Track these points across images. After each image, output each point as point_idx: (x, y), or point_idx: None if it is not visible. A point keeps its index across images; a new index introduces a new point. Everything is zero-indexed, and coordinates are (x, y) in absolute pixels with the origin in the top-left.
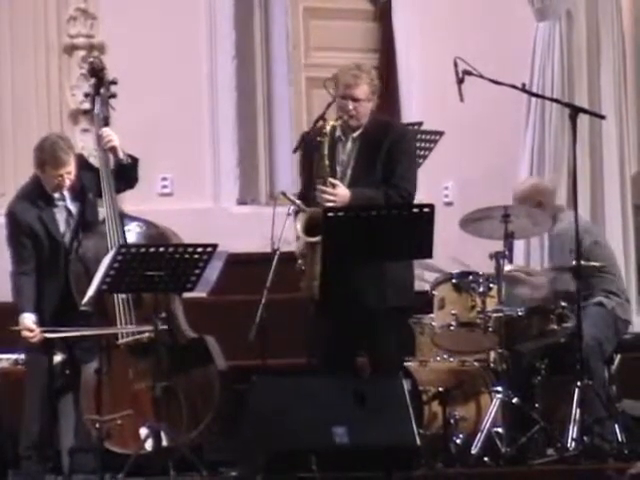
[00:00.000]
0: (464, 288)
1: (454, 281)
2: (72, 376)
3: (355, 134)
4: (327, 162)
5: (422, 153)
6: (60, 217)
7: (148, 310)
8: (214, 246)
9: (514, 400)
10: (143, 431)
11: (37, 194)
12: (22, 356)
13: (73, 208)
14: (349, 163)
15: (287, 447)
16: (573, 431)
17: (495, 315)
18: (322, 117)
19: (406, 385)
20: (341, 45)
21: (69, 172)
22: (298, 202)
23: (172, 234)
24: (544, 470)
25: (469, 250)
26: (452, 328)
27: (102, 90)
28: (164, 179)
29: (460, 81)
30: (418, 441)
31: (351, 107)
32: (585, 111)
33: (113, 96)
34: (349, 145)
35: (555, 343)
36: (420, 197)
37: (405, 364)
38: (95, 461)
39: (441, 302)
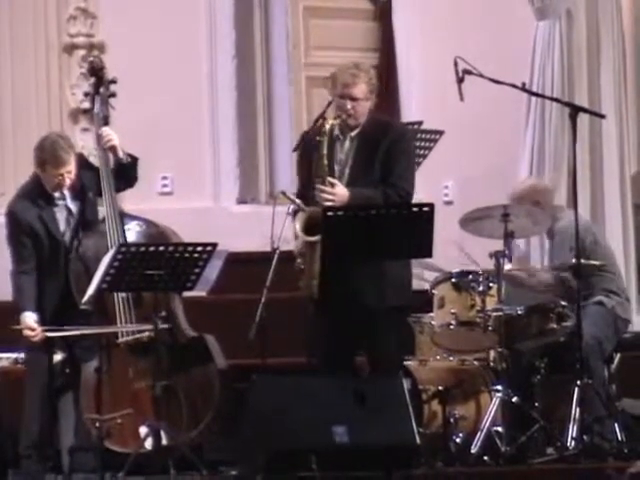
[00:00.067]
0: (464, 287)
1: (454, 280)
2: (72, 375)
3: (353, 133)
4: (326, 162)
5: (422, 152)
6: (60, 216)
7: (148, 309)
8: (214, 245)
9: (514, 399)
10: (143, 430)
11: (37, 193)
12: (22, 355)
13: (73, 207)
14: (347, 162)
15: (287, 447)
16: (573, 430)
17: (495, 314)
18: (322, 116)
19: (406, 384)
20: (341, 44)
21: (69, 171)
22: (298, 201)
23: (172, 233)
24: (544, 469)
25: (469, 249)
26: (452, 327)
27: (102, 89)
28: (164, 178)
29: (460, 80)
30: (418, 440)
31: (349, 106)
32: (585, 110)
33: (113, 95)
34: (347, 144)
35: (555, 342)
36: (420, 196)
37: (405, 363)
38: (95, 460)
39: (441, 301)
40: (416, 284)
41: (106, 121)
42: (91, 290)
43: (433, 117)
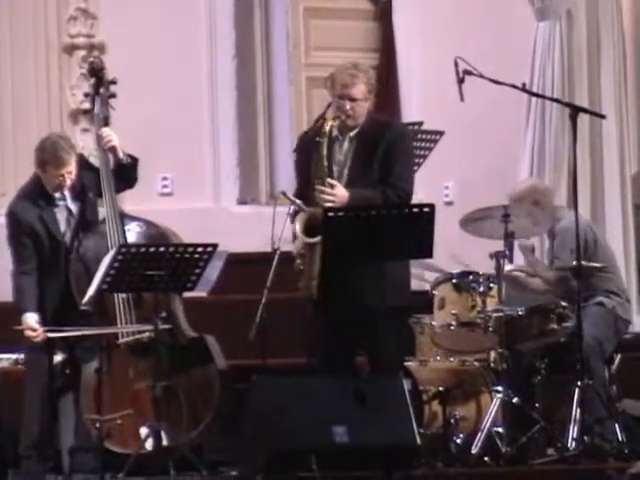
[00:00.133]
0: (464, 288)
1: (454, 281)
2: (72, 376)
3: (352, 134)
4: (326, 163)
5: (422, 153)
6: (61, 217)
7: (148, 310)
8: (214, 246)
9: (514, 400)
10: (143, 431)
11: (38, 194)
12: (22, 356)
13: (74, 208)
14: (346, 163)
15: (287, 447)
16: (573, 431)
17: (495, 315)
18: (322, 117)
19: (406, 385)
20: (341, 45)
21: (70, 172)
22: (298, 202)
23: (172, 234)
24: (544, 470)
25: (469, 250)
26: (452, 328)
27: (102, 90)
28: (164, 179)
29: (460, 81)
30: (418, 441)
31: (348, 107)
32: (585, 111)
33: (113, 96)
34: (346, 145)
35: (555, 343)
36: (420, 197)
37: (405, 364)
38: (95, 461)
39: (441, 302)
40: (417, 285)
41: (106, 122)
42: (91, 291)
43: (433, 117)
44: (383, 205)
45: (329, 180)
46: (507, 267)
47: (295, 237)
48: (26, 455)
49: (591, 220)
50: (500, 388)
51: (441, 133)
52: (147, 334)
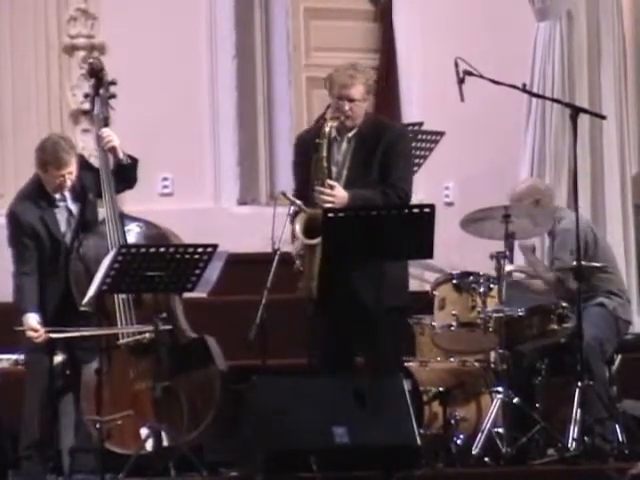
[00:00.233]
0: (465, 288)
1: (455, 281)
2: (72, 376)
3: (350, 134)
4: (325, 164)
5: (423, 153)
6: (61, 217)
7: (148, 310)
8: (214, 246)
9: (515, 400)
10: (143, 431)
11: (38, 194)
12: (22, 356)
13: (74, 208)
14: (344, 163)
15: (287, 447)
16: (574, 431)
17: (495, 315)
18: (322, 117)
19: (406, 385)
20: (342, 45)
21: (71, 172)
22: (298, 202)
23: (172, 234)
24: (545, 470)
25: (469, 250)
26: (452, 328)
27: (102, 91)
28: (164, 179)
29: (461, 81)
30: (418, 441)
31: (347, 107)
32: (586, 111)
33: (113, 96)
34: (344, 145)
35: (556, 343)
36: (420, 197)
37: (405, 364)
38: (95, 461)
39: (441, 302)
40: (417, 285)
41: (106, 122)
42: (91, 291)
43: (433, 117)
44: (383, 206)
45: (329, 181)
46: (507, 267)
47: (294, 238)
48: (26, 456)
49: (591, 220)
50: (500, 389)
51: (441, 134)
52: (147, 335)
